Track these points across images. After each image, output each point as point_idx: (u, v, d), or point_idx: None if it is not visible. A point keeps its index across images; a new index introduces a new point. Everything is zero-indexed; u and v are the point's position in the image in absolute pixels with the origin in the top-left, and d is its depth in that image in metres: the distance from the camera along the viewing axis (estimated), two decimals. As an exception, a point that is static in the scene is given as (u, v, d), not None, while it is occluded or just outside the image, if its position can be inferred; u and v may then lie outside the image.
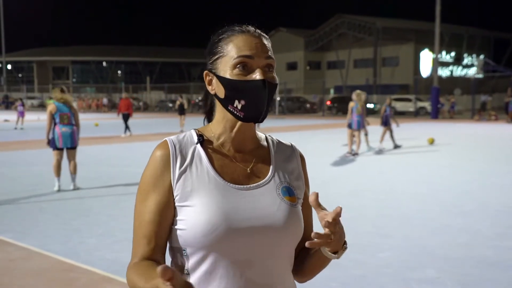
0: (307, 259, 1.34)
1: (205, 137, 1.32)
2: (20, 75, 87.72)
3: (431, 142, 16.25)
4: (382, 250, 5.24)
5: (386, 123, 14.94)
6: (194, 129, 1.35)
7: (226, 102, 1.26)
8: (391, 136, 15.04)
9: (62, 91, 8.23)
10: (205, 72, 1.32)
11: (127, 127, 20.13)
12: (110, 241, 5.49)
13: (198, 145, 1.30)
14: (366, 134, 14.67)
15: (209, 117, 1.39)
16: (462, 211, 6.96)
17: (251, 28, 1.30)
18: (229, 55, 1.25)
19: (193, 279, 1.22)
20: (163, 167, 1.25)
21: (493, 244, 5.46)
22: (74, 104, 8.37)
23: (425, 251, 5.18)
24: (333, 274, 4.36)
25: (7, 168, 10.96)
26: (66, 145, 8.15)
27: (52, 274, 4.52)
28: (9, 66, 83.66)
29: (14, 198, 7.74)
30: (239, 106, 1.25)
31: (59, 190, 8.20)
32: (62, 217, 6.56)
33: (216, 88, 1.29)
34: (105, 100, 55.31)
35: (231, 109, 1.26)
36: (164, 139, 1.30)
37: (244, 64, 1.24)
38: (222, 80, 1.26)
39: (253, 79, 1.23)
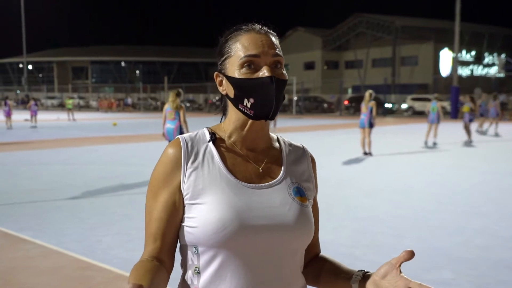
0: (322, 277, 1.35)
1: (217, 136, 1.33)
2: (40, 75, 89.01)
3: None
4: (397, 250, 5.19)
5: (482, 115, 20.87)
6: (207, 127, 1.36)
7: (236, 102, 1.27)
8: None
9: (177, 94, 9.36)
10: (216, 73, 1.33)
11: None
12: (126, 240, 5.54)
13: (210, 143, 1.30)
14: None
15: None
16: (479, 212, 6.87)
17: (257, 26, 1.29)
18: (236, 54, 1.26)
19: (204, 277, 1.22)
20: (174, 165, 1.26)
21: (510, 245, 5.38)
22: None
23: (440, 252, 5.13)
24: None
25: (25, 167, 11.12)
26: (170, 139, 9.25)
27: (68, 272, 4.57)
28: (30, 66, 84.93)
29: (32, 197, 7.86)
30: (249, 105, 1.25)
31: None
32: (78, 215, 6.65)
33: (226, 89, 1.30)
34: (129, 100, 56.12)
35: (242, 108, 1.27)
36: (177, 136, 1.32)
37: (251, 63, 1.24)
38: (230, 80, 1.27)
39: (260, 77, 1.23)
